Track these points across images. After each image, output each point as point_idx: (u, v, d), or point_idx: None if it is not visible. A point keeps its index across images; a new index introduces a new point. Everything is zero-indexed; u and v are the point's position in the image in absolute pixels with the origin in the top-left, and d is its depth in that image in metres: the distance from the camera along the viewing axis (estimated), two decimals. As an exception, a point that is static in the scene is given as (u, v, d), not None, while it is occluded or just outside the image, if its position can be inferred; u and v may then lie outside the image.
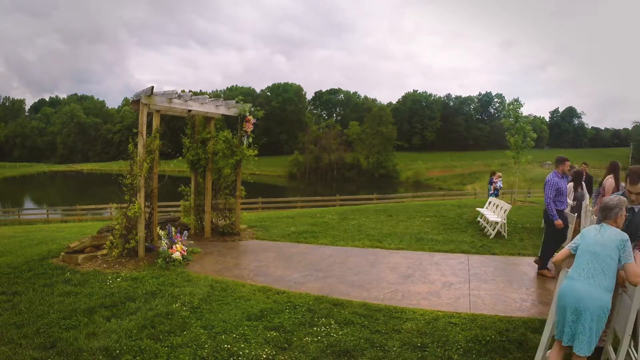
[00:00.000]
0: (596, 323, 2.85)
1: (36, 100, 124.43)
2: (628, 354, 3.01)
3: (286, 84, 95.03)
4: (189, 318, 4.35)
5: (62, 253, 6.83)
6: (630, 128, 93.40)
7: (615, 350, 3.16)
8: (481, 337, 3.88)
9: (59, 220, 21.34)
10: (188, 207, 9.04)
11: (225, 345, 3.73)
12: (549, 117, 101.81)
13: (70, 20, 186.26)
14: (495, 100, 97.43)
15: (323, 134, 77.17)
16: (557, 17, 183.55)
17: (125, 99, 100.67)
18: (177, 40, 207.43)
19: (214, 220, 8.91)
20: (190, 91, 7.91)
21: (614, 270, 2.94)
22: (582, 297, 2.89)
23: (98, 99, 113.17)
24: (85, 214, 23.20)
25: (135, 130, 6.80)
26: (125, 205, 6.83)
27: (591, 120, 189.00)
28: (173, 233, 6.99)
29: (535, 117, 50.57)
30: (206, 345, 3.74)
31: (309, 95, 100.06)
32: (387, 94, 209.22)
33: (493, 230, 8.83)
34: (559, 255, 3.34)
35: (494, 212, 9.81)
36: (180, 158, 8.87)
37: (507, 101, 27.42)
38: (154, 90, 6.77)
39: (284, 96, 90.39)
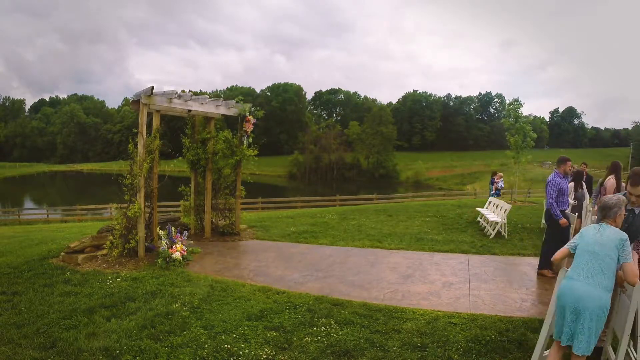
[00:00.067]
0: (595, 323, 2.85)
1: (36, 100, 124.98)
2: (627, 354, 3.02)
3: (286, 84, 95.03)
4: (189, 318, 4.35)
5: (62, 253, 6.83)
6: (630, 128, 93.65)
7: (615, 350, 3.17)
8: (481, 337, 3.89)
9: (59, 220, 21.34)
10: (188, 207, 9.05)
11: (225, 345, 3.74)
12: (549, 117, 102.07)
13: (70, 20, 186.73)
14: (495, 100, 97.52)
15: (323, 134, 77.18)
16: (557, 17, 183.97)
17: (125, 99, 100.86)
18: (177, 40, 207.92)
19: (214, 220, 8.91)
20: (190, 91, 7.91)
21: (613, 269, 2.94)
22: (581, 297, 2.88)
23: (98, 99, 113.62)
24: (85, 214, 23.21)
25: (135, 130, 6.80)
26: (125, 205, 6.83)
27: (591, 120, 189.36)
28: (173, 233, 7.00)
29: (535, 117, 50.52)
30: (206, 345, 3.74)
31: (309, 95, 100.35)
32: (387, 94, 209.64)
33: (493, 230, 8.83)
34: (558, 254, 3.34)
35: (494, 212, 9.81)
36: (180, 158, 8.87)
37: (507, 101, 27.41)
38: (154, 90, 6.78)
39: (284, 96, 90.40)
